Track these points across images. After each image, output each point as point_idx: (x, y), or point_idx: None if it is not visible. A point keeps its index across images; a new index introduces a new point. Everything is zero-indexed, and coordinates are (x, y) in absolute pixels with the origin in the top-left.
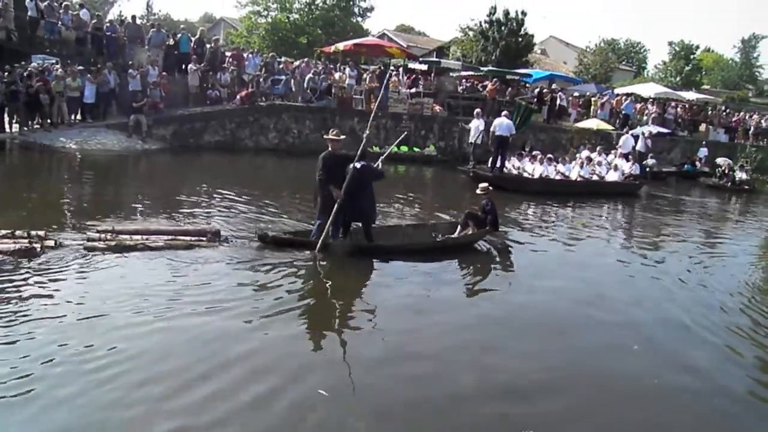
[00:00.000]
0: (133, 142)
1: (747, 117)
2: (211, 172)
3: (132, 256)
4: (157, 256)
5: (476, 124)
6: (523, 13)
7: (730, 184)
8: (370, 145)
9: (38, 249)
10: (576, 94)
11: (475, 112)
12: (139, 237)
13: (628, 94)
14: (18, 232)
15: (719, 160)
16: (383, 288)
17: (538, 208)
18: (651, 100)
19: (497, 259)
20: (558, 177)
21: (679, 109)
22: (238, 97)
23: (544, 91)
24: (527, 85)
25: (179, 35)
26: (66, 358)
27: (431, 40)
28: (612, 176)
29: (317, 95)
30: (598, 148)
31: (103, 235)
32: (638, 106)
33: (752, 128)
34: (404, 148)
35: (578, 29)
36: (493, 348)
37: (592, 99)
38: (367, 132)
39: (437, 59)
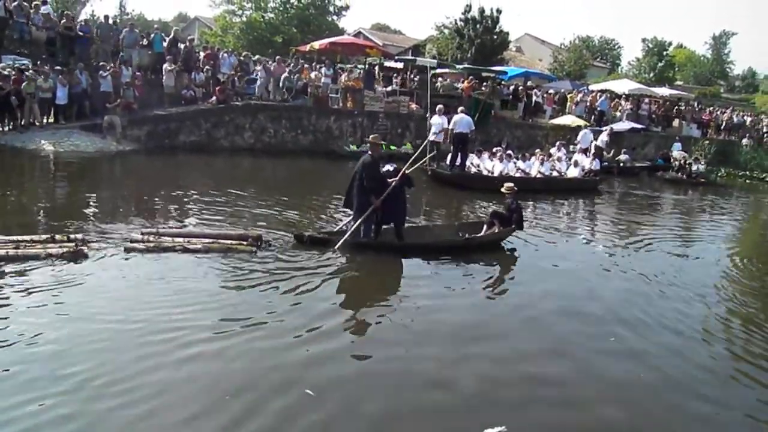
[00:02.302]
0: (107, 143)
1: (719, 112)
2: (194, 173)
3: (173, 261)
4: (197, 260)
5: (438, 121)
6: (498, 11)
7: (686, 177)
8: (348, 143)
9: (86, 251)
10: (551, 91)
11: (436, 109)
12: (181, 239)
13: (602, 91)
14: (58, 236)
15: (675, 154)
16: (413, 287)
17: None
18: (625, 96)
19: (518, 257)
20: (518, 174)
21: (652, 105)
22: (214, 97)
23: (520, 88)
24: (503, 82)
25: (153, 35)
26: (101, 390)
27: (407, 38)
28: (572, 172)
29: (293, 94)
30: (557, 143)
31: (144, 237)
32: (613, 102)
33: (723, 123)
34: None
35: (553, 27)
36: (503, 353)
37: (568, 96)
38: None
39: (413, 57)
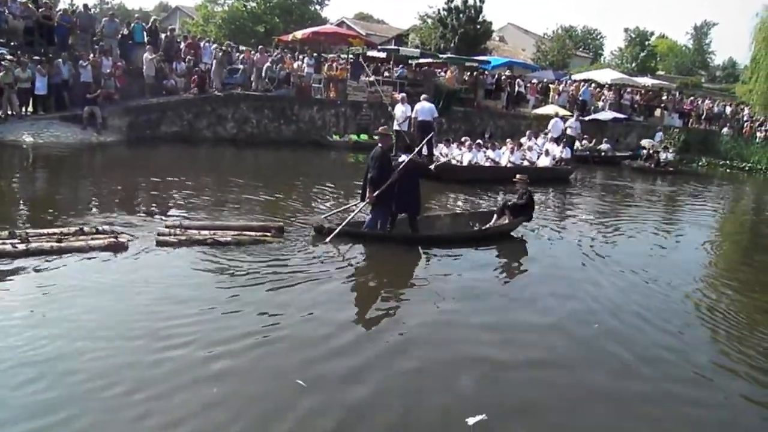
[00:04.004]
0: (88, 134)
1: (700, 102)
2: (180, 164)
3: (204, 253)
4: (227, 252)
5: (401, 109)
6: (481, 1)
7: (654, 165)
8: (331, 133)
9: (126, 243)
10: (534, 80)
11: (400, 97)
12: (206, 232)
13: (585, 80)
14: (86, 228)
15: (644, 142)
16: (428, 280)
17: (469, 197)
18: (608, 86)
19: (527, 248)
20: (488, 163)
21: (635, 94)
22: (195, 87)
23: (503, 77)
24: (486, 72)
25: (133, 24)
26: (125, 399)
27: (390, 27)
28: (543, 161)
29: (275, 84)
30: (528, 132)
31: (172, 230)
32: (595, 91)
33: (704, 113)
34: (364, 137)
35: (536, 16)
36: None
37: (550, 85)
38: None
39: (396, 47)
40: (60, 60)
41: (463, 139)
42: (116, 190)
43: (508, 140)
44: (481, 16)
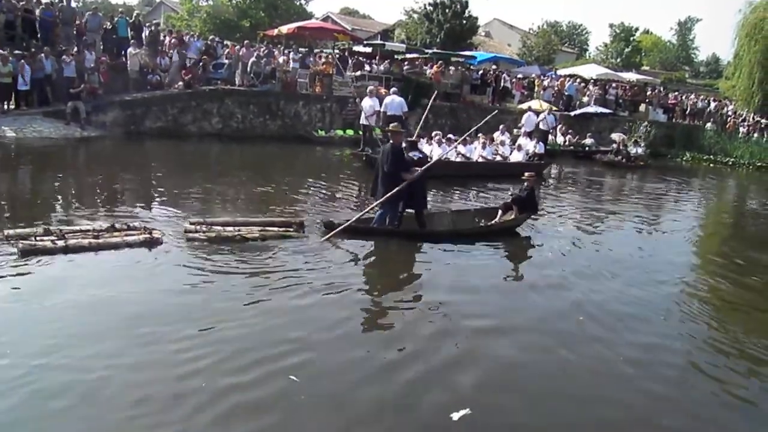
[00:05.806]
0: (72, 129)
1: (684, 97)
2: (168, 159)
3: (234, 250)
4: (246, 252)
5: (369, 103)
6: None
7: (624, 160)
8: (317, 129)
9: (160, 239)
10: (520, 75)
11: (368, 90)
12: (232, 228)
13: (570, 76)
14: (117, 225)
15: (614, 136)
16: (440, 276)
17: (438, 193)
18: (593, 81)
19: (532, 242)
20: (459, 159)
21: (619, 89)
22: (181, 82)
23: (489, 73)
24: (471, 67)
25: (116, 19)
26: (160, 417)
27: (376, 22)
28: (516, 156)
29: (261, 79)
30: (501, 127)
31: (198, 227)
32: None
33: (688, 108)
34: (350, 132)
35: (522, 12)
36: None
37: (536, 80)
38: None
39: (382, 42)
40: (42, 54)
41: (433, 134)
42: (110, 185)
43: (480, 135)
44: (466, 12)
